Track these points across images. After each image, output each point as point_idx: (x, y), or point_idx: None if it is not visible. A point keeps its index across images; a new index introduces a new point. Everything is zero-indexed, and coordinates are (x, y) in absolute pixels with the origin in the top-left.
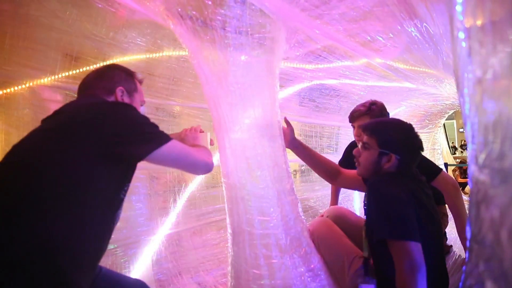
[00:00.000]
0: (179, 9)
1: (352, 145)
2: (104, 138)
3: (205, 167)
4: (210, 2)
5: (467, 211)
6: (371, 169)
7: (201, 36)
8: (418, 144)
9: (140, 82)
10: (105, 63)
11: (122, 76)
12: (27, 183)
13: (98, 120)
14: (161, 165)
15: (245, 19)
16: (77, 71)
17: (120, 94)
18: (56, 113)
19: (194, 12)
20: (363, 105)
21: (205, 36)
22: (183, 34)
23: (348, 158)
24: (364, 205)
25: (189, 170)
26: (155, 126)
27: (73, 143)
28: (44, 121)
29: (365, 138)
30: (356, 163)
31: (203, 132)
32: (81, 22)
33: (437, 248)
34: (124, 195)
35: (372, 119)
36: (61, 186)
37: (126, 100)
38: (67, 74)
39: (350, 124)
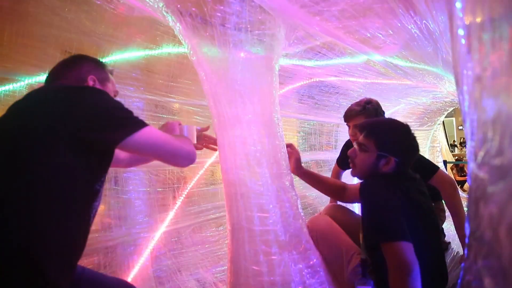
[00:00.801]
0: (179, 6)
1: (348, 144)
2: (73, 124)
3: (187, 156)
4: None
5: (466, 208)
6: (367, 171)
7: (201, 33)
8: (415, 146)
9: (111, 73)
10: (104, 60)
11: (92, 65)
12: None
13: (65, 104)
14: (139, 154)
15: (244, 15)
16: None
17: (92, 83)
18: (20, 101)
19: (193, 9)
20: (358, 104)
21: (204, 32)
22: (182, 31)
23: (345, 156)
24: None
25: (169, 160)
26: (129, 112)
27: (38, 131)
28: (9, 109)
29: (361, 139)
30: (351, 164)
31: (181, 124)
32: (80, 19)
33: (434, 245)
34: (101, 186)
35: (368, 119)
36: (28, 179)
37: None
38: None
39: (346, 123)
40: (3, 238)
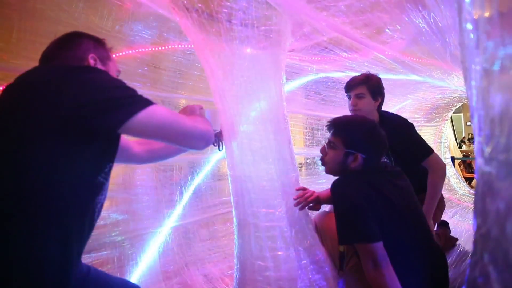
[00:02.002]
0: (185, 2)
1: None
2: (66, 109)
3: (201, 137)
4: None
5: (472, 204)
6: (337, 168)
7: (207, 29)
8: (382, 141)
9: (110, 50)
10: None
11: (91, 43)
12: None
13: (56, 86)
14: (145, 137)
15: (251, 11)
16: None
17: (93, 62)
18: (10, 86)
19: (200, 5)
20: (360, 74)
21: (211, 28)
22: (189, 27)
23: None
24: None
25: (181, 142)
26: (131, 90)
27: (29, 119)
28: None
29: (330, 137)
30: (322, 162)
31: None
32: (87, 15)
33: (415, 239)
34: (105, 179)
35: (338, 117)
36: (23, 175)
37: (101, 68)
38: None
39: (346, 94)
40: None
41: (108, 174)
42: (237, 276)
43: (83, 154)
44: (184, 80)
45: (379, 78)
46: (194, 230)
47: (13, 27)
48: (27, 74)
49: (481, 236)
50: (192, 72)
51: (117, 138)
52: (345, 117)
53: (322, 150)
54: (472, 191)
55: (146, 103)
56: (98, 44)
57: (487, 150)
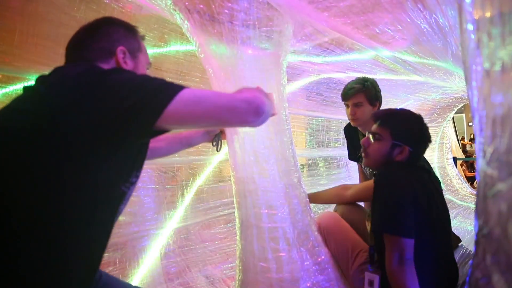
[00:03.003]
0: (186, 3)
1: (349, 127)
2: (90, 120)
3: (250, 108)
4: None
5: (474, 205)
6: (381, 160)
7: (209, 30)
8: (428, 135)
9: (142, 38)
10: None
11: (121, 32)
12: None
13: (78, 96)
14: (188, 125)
15: (252, 12)
16: None
17: (122, 56)
18: (34, 87)
19: (201, 6)
20: (356, 82)
21: (212, 30)
22: (190, 29)
23: (352, 149)
24: None
25: (229, 118)
26: (157, 81)
27: (48, 129)
28: (18, 98)
29: (375, 128)
30: (364, 154)
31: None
32: (88, 18)
33: (443, 241)
34: (129, 188)
35: (384, 109)
36: (43, 186)
37: (129, 62)
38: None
39: (343, 102)
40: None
41: (134, 183)
42: (240, 278)
43: (107, 164)
44: (185, 82)
45: (375, 81)
46: (195, 232)
47: (16, 30)
48: (53, 77)
49: (483, 237)
50: (194, 73)
51: (147, 143)
52: (392, 109)
53: (365, 142)
54: (474, 191)
55: (174, 90)
56: (129, 33)
57: (489, 151)
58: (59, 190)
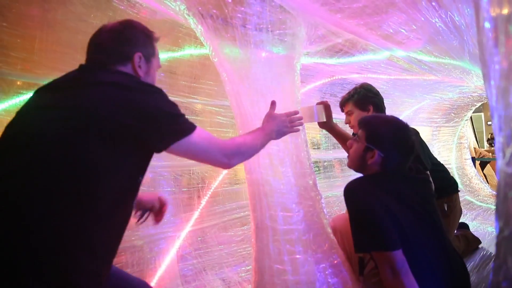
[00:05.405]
0: (200, 8)
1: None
2: (121, 124)
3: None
4: (230, 0)
5: (494, 206)
6: (357, 162)
7: (222, 34)
8: (407, 145)
9: (157, 41)
10: None
11: (141, 38)
12: (32, 172)
13: (119, 107)
14: (185, 157)
15: (265, 16)
16: None
17: (138, 61)
18: (62, 87)
19: (214, 11)
20: (347, 92)
21: (226, 34)
22: (204, 33)
23: None
24: None
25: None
26: (178, 115)
27: (86, 129)
28: (43, 94)
29: (358, 130)
30: (348, 155)
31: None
32: None
33: (434, 246)
34: (143, 176)
35: (369, 115)
36: (71, 177)
37: (143, 67)
38: None
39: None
40: (42, 241)
41: (145, 171)
42: (256, 280)
43: (130, 159)
44: (200, 85)
45: (367, 86)
46: (212, 234)
47: (35, 37)
48: (87, 82)
49: (504, 239)
50: (208, 77)
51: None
52: (377, 114)
53: (350, 143)
54: (494, 192)
55: (190, 129)
56: (148, 39)
57: (508, 151)
58: (89, 184)
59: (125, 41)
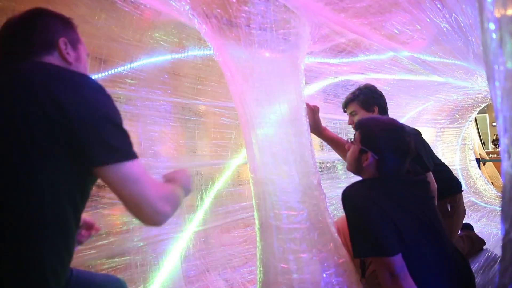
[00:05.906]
0: (204, 8)
1: None
2: (67, 119)
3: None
4: (234, 0)
5: (499, 208)
6: (353, 164)
7: (226, 34)
8: (403, 147)
9: (76, 27)
10: (132, 65)
11: (59, 23)
12: None
13: (59, 91)
14: (110, 187)
15: (269, 15)
16: (106, 73)
17: (64, 48)
18: None
19: (218, 11)
20: (351, 92)
21: (230, 34)
22: (208, 33)
23: None
24: None
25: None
26: (124, 134)
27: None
28: None
29: (355, 132)
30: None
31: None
32: (109, 26)
33: (436, 249)
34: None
35: (367, 117)
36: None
37: (72, 54)
38: (96, 76)
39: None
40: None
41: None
42: (261, 279)
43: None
44: (203, 86)
45: (372, 87)
46: (215, 235)
47: None
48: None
49: (510, 241)
50: (212, 78)
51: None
52: (374, 116)
53: (347, 146)
54: (499, 193)
55: (131, 156)
56: (67, 24)
57: None
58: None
59: (42, 27)
